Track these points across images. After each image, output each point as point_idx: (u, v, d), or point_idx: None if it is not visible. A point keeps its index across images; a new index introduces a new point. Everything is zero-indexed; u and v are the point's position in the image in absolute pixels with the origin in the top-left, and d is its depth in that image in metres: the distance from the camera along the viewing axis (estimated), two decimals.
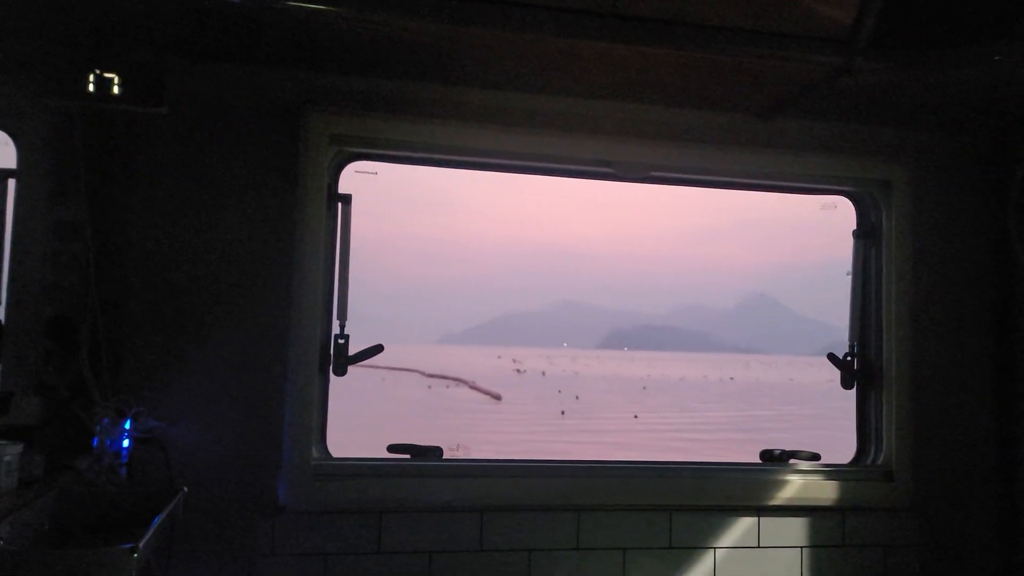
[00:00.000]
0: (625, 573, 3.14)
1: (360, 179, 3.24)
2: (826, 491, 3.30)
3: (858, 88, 2.96)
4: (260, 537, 2.86)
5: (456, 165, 3.32)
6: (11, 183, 2.80)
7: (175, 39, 2.77)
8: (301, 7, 2.43)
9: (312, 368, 2.95)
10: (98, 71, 2.71)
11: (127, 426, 2.64)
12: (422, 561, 2.97)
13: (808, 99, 3.03)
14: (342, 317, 3.08)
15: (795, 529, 3.28)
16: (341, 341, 3.06)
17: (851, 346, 3.52)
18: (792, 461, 3.41)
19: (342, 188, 3.13)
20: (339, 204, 3.10)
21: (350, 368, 3.08)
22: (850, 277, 3.55)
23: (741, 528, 3.24)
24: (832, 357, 3.53)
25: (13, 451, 2.24)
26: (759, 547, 3.25)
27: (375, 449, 3.21)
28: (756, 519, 3.26)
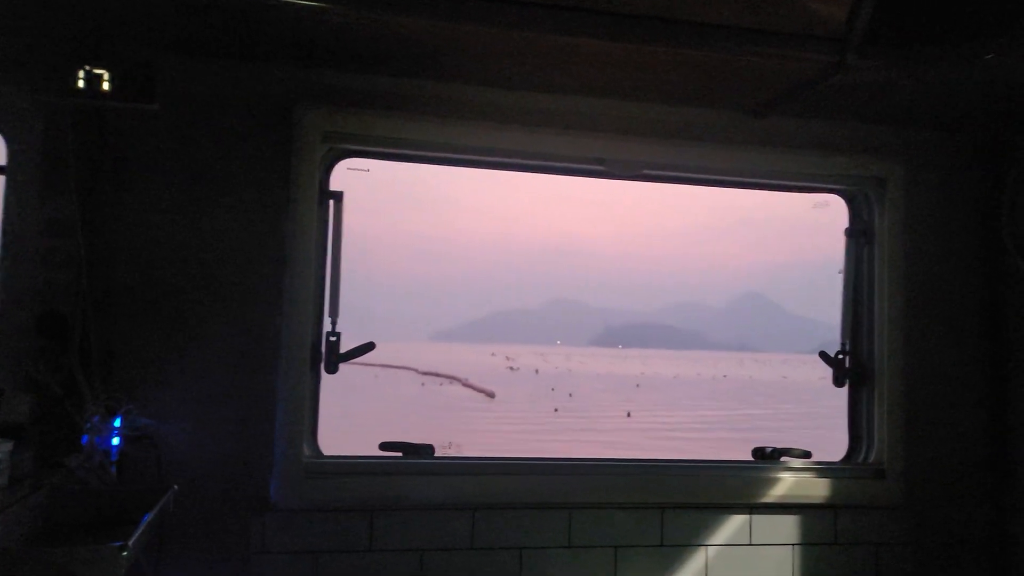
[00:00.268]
0: (617, 571, 3.14)
1: (354, 176, 3.23)
2: (818, 489, 3.31)
3: (852, 86, 2.96)
4: (251, 535, 2.86)
5: (449, 162, 3.32)
6: (1, 180, 2.78)
7: (167, 36, 2.75)
8: (294, 3, 2.42)
9: (304, 366, 2.94)
10: (88, 68, 2.69)
11: (117, 424, 2.63)
12: (414, 559, 2.97)
13: (802, 97, 3.03)
14: (334, 315, 3.07)
15: (787, 527, 3.28)
16: (333, 339, 3.06)
17: (843, 344, 3.53)
18: (784, 459, 3.42)
19: (334, 185, 3.12)
20: (331, 201, 3.09)
21: (343, 366, 3.08)
22: (842, 275, 3.56)
23: (733, 526, 3.24)
24: (824, 355, 3.53)
25: (4, 449, 2.23)
26: (751, 545, 3.25)
27: (368, 448, 3.21)
28: (748, 517, 3.26)
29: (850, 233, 3.55)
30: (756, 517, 3.27)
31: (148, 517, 2.08)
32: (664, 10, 2.50)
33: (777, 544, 3.27)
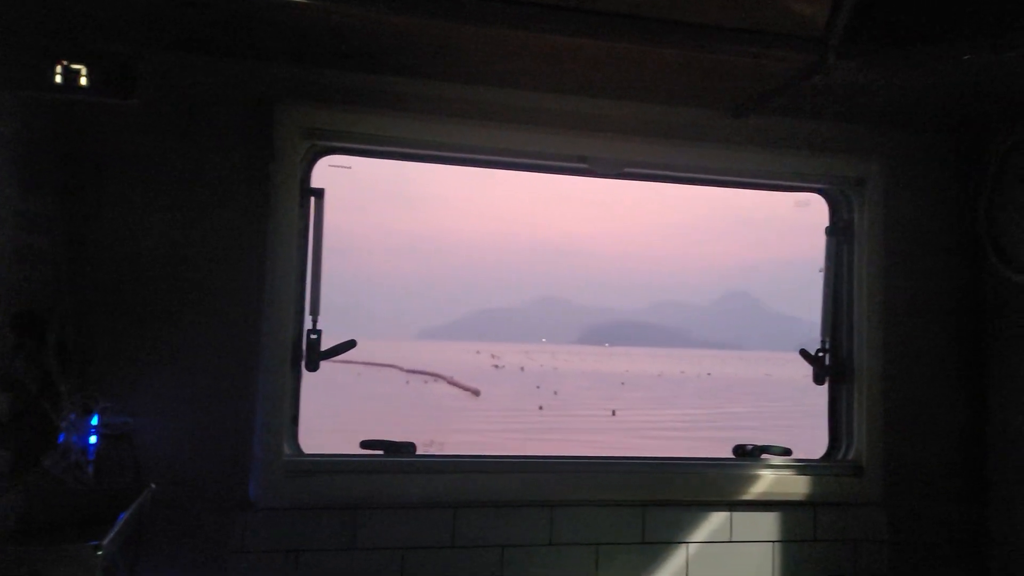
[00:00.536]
0: (598, 568, 3.15)
1: (340, 172, 3.23)
2: (798, 486, 3.32)
3: (831, 86, 2.98)
4: (231, 534, 2.84)
5: (430, 159, 3.31)
6: None
7: (148, 31, 2.73)
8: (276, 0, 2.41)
9: (284, 364, 2.93)
10: (66, 63, 2.67)
11: (94, 422, 2.61)
12: (395, 557, 2.96)
13: (782, 96, 3.04)
14: (315, 312, 3.06)
15: (767, 524, 3.30)
16: (313, 336, 3.05)
17: (823, 342, 3.55)
18: (764, 456, 3.44)
19: (315, 182, 3.11)
20: (312, 198, 3.08)
21: (326, 364, 3.06)
22: (823, 274, 3.58)
23: (714, 523, 3.26)
24: (804, 353, 3.55)
25: None
26: (731, 542, 3.27)
27: (351, 446, 3.20)
28: (728, 514, 3.27)
29: (830, 232, 3.57)
30: (737, 514, 3.28)
31: (124, 516, 2.06)
32: (644, 8, 2.50)
33: (757, 541, 3.29)
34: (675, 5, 2.50)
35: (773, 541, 3.30)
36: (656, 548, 3.20)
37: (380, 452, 3.10)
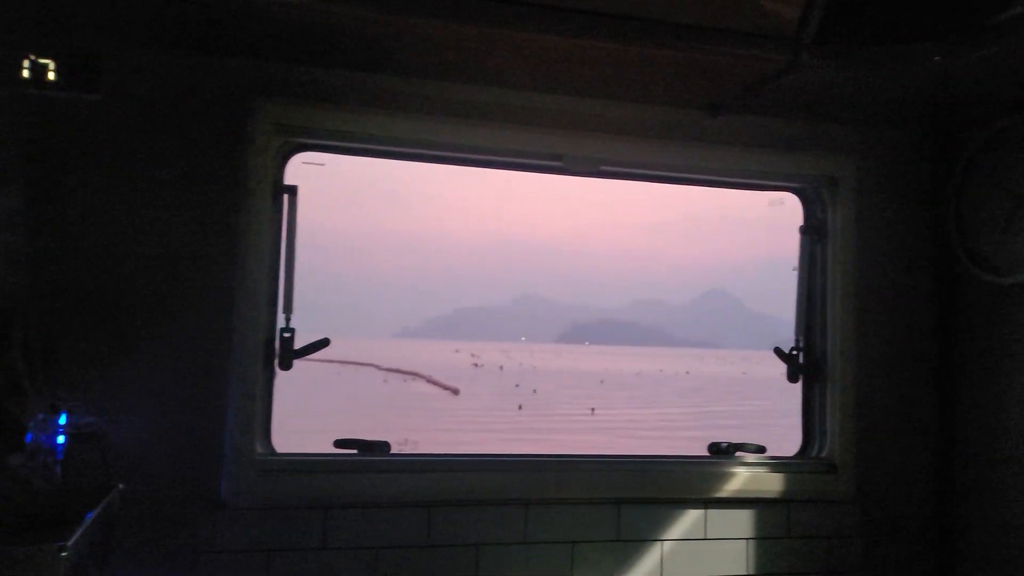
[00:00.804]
0: (573, 566, 3.15)
1: (314, 169, 3.20)
2: (772, 483, 3.34)
3: (805, 85, 3.00)
4: (202, 533, 2.81)
5: (405, 157, 3.29)
6: None
7: (118, 25, 2.69)
8: None
9: (256, 362, 2.90)
10: (33, 57, 2.63)
11: (62, 421, 2.57)
12: (369, 557, 2.94)
13: (756, 95, 3.06)
14: (288, 310, 3.03)
15: (741, 521, 3.31)
16: (287, 335, 3.02)
17: (797, 340, 3.57)
18: (739, 454, 3.45)
19: (289, 179, 3.08)
20: (285, 196, 3.05)
21: (305, 362, 3.04)
22: (796, 272, 3.60)
23: (688, 520, 3.27)
24: (779, 351, 3.57)
25: None
26: (706, 539, 3.28)
27: (326, 446, 3.17)
28: (703, 511, 3.29)
29: (804, 230, 3.60)
30: (711, 511, 3.29)
31: (91, 516, 2.03)
32: (620, 7, 2.50)
33: (732, 538, 3.30)
34: (650, 4, 2.50)
35: (747, 538, 3.31)
36: (631, 546, 3.21)
37: (354, 451, 3.08)
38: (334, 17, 2.55)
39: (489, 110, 3.13)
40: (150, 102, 2.85)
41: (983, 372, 3.40)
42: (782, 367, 3.59)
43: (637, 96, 3.19)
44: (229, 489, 2.83)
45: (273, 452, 2.99)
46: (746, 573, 3.29)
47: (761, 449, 3.47)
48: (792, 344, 3.57)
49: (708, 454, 3.49)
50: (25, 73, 2.63)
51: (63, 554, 1.72)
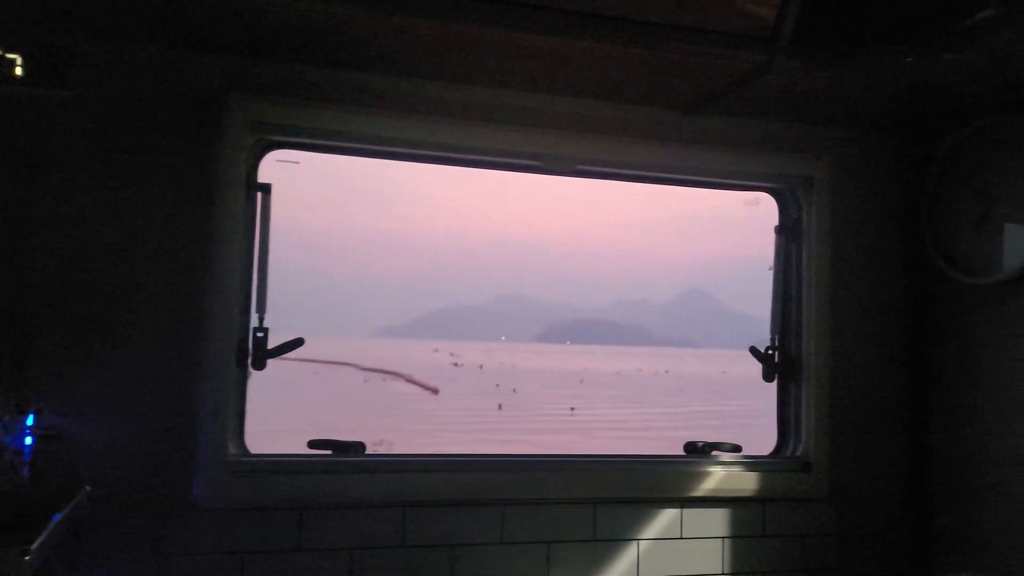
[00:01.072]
0: (550, 566, 3.14)
1: (291, 166, 3.17)
2: (747, 482, 3.35)
3: (780, 86, 3.01)
4: (174, 535, 2.77)
5: (381, 155, 3.27)
6: None
7: (87, 19, 2.65)
8: None
9: (228, 362, 2.87)
10: (0, 51, 2.58)
11: (29, 422, 2.52)
12: (343, 558, 2.92)
13: (731, 96, 3.06)
14: (261, 310, 3.00)
15: (717, 520, 3.32)
16: (260, 334, 2.99)
17: (772, 339, 3.58)
18: (715, 453, 3.46)
19: (263, 177, 3.05)
20: (259, 193, 3.02)
21: (282, 362, 3.00)
22: (772, 272, 3.61)
23: (664, 520, 3.27)
24: (754, 350, 3.58)
25: None
26: (682, 538, 3.28)
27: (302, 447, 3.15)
28: (679, 511, 3.29)
29: (779, 230, 3.61)
30: (687, 511, 3.30)
31: (57, 518, 1.99)
32: (596, 6, 2.49)
33: (707, 537, 3.31)
34: (626, 3, 2.50)
35: (723, 537, 3.32)
36: (607, 545, 3.21)
37: (328, 452, 3.06)
38: (311, 14, 2.52)
39: (465, 109, 3.11)
40: (122, 98, 2.81)
41: (957, 371, 3.43)
42: (759, 366, 3.60)
43: (614, 95, 3.18)
44: (201, 490, 2.79)
45: (247, 453, 2.96)
46: (721, 572, 3.30)
47: (737, 448, 3.48)
48: (768, 343, 3.58)
49: (684, 453, 3.49)
50: None
51: (26, 558, 1.69)
